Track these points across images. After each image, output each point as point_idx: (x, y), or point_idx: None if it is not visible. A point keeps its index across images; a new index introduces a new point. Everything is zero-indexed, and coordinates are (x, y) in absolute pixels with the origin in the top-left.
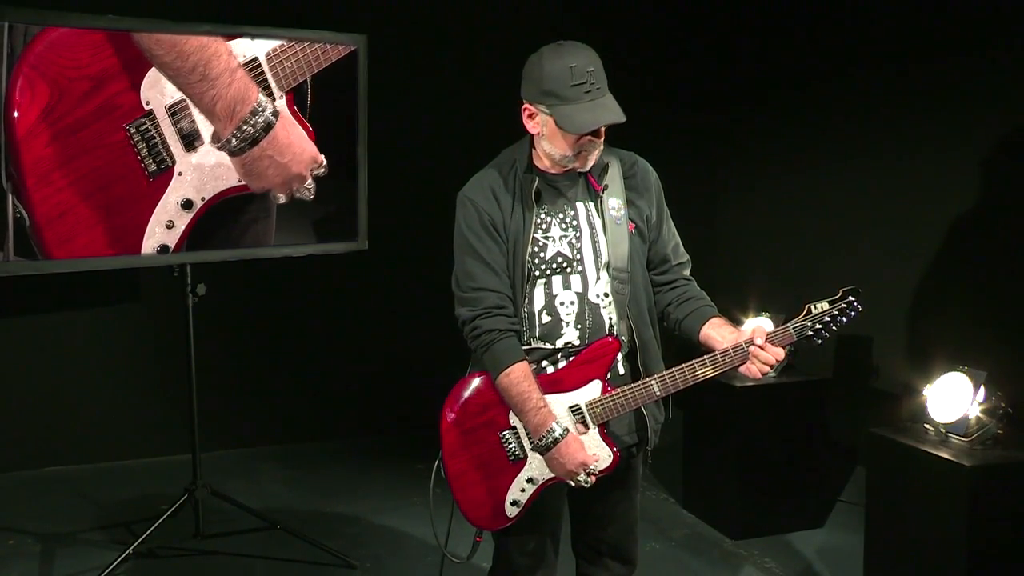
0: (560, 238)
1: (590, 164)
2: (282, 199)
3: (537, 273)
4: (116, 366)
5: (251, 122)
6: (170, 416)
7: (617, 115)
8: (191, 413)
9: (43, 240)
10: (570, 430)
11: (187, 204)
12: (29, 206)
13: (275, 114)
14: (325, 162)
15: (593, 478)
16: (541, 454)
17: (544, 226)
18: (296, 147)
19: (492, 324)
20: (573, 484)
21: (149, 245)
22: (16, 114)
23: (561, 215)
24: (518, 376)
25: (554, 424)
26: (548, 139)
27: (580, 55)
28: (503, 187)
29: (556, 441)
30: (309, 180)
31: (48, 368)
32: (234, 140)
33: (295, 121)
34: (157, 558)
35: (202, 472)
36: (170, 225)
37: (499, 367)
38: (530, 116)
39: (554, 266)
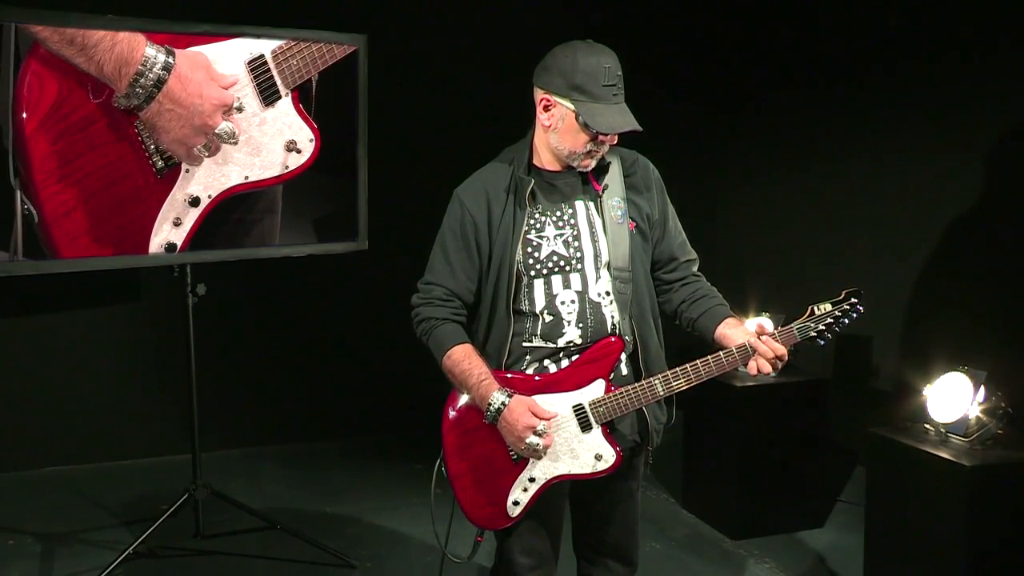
0: (555, 237)
1: (593, 165)
2: (206, 152)
3: (534, 273)
4: (116, 366)
5: (141, 80)
6: (170, 416)
7: (636, 124)
8: (191, 413)
9: (51, 237)
10: (514, 396)
11: (195, 201)
12: (37, 203)
13: (167, 68)
14: (239, 103)
15: (544, 440)
16: (492, 427)
17: (538, 225)
18: (195, 96)
19: (432, 312)
20: (524, 449)
21: (156, 243)
22: (24, 111)
23: (558, 213)
24: (458, 356)
25: (495, 393)
26: (560, 134)
27: (612, 58)
28: (499, 186)
29: (500, 410)
30: (224, 124)
31: (48, 368)
32: (127, 99)
33: (195, 69)
34: (157, 558)
35: (202, 472)
36: (177, 222)
37: (440, 351)
38: (546, 107)
39: (551, 265)
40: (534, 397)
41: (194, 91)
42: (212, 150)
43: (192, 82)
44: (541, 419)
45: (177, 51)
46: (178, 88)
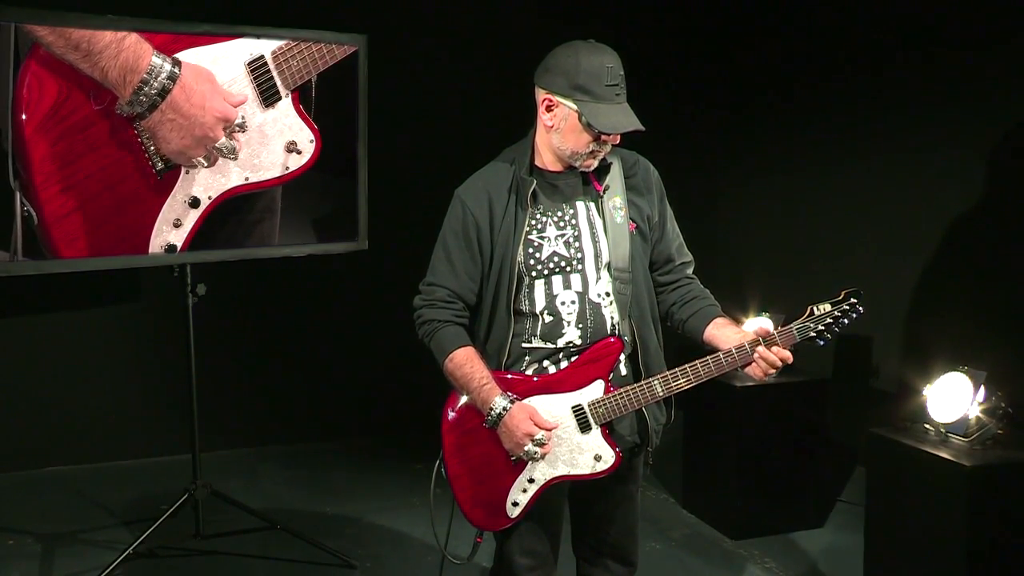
0: (556, 238)
1: (596, 165)
2: (204, 163)
3: (535, 273)
4: (116, 366)
5: (145, 89)
6: (170, 416)
7: (639, 124)
8: (191, 413)
9: (51, 239)
10: (516, 403)
11: (194, 202)
12: (37, 204)
13: (172, 78)
14: (241, 119)
15: (543, 449)
16: (491, 429)
17: (540, 226)
18: (197, 108)
19: (435, 315)
20: (524, 457)
21: (157, 244)
22: (24, 112)
23: (560, 214)
24: (461, 360)
25: (497, 398)
26: (563, 134)
27: (614, 57)
28: (500, 187)
29: (501, 415)
30: (224, 140)
31: (48, 368)
32: (130, 107)
33: (200, 81)
34: (157, 558)
35: (202, 472)
36: (177, 223)
37: (443, 353)
38: (549, 108)
39: (551, 266)
40: (534, 398)
41: (197, 102)
42: (211, 161)
43: (196, 93)
44: (541, 428)
45: (183, 63)
46: (182, 98)
